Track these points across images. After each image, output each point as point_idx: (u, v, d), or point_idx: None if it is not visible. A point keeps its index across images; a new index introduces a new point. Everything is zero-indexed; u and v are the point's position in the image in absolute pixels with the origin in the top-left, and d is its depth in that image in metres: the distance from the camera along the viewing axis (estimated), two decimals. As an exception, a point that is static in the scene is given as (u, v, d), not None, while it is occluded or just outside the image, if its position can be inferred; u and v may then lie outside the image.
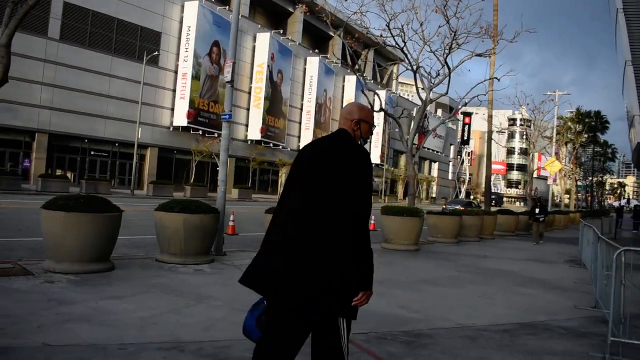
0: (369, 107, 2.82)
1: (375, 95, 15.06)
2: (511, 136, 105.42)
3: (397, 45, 13.50)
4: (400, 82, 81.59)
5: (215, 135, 40.38)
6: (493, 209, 22.63)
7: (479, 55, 14.27)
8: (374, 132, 3.06)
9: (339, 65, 56.89)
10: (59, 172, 32.46)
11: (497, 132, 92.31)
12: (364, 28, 14.90)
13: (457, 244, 15.00)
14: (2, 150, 30.07)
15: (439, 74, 13.90)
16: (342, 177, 2.42)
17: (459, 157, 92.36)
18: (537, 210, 17.31)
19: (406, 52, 13.29)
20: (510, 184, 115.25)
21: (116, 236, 7.57)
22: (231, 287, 6.94)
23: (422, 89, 14.43)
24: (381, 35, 13.91)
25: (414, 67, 13.61)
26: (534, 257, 13.33)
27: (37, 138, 30.82)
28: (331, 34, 57.89)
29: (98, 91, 33.14)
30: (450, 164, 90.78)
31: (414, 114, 68.36)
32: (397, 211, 12.72)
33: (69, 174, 33.37)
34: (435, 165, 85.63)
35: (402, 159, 74.41)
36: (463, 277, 8.97)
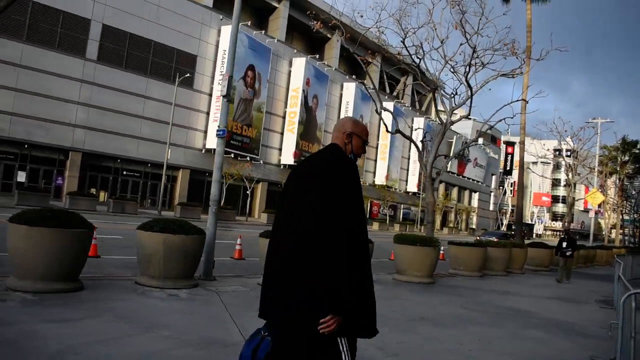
0: (365, 124, 2.54)
1: (389, 113, 14.30)
2: (557, 167, 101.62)
3: (413, 63, 12.76)
4: (440, 110, 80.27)
5: (248, 158, 40.40)
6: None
7: (504, 75, 13.32)
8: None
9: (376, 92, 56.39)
10: (92, 191, 32.95)
11: (541, 162, 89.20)
12: (386, 45, 14.24)
13: (480, 278, 13.88)
14: (36, 167, 30.78)
15: (456, 93, 13.02)
16: (326, 194, 2.35)
17: (501, 187, 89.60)
18: (564, 244, 15.27)
19: (423, 70, 12.55)
20: (555, 216, 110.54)
21: (86, 254, 7.11)
22: (196, 316, 6.31)
23: (443, 111, 13.59)
24: (399, 54, 13.24)
25: (434, 87, 12.82)
26: (561, 295, 12.08)
27: (71, 156, 31.42)
28: (368, 59, 57.87)
29: (132, 112, 33.70)
30: (492, 194, 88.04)
31: (453, 141, 66.42)
32: (410, 240, 11.84)
33: (102, 193, 33.86)
34: (475, 196, 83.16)
35: (441, 188, 72.55)
36: (469, 317, 8.00)
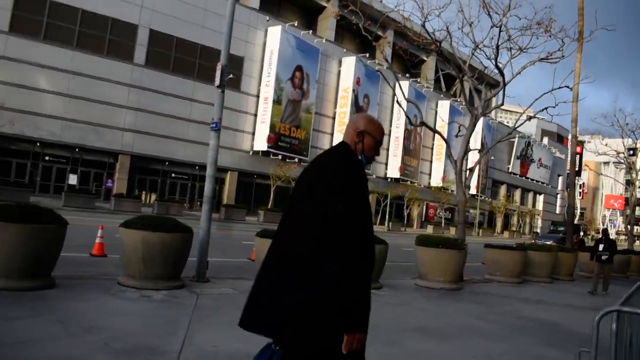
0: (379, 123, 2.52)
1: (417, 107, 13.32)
2: (630, 168, 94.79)
3: (436, 48, 11.73)
4: (501, 109, 76.87)
5: (296, 160, 40.07)
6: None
7: (543, 60, 11.98)
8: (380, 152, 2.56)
9: (431, 89, 54.70)
10: (142, 193, 33.69)
11: (613, 163, 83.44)
12: (410, 32, 13.28)
13: (518, 284, 12.61)
14: (87, 170, 31.80)
15: (482, 80, 11.84)
16: (330, 196, 2.22)
17: (568, 189, 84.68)
18: (600, 247, 12.67)
19: (447, 56, 11.48)
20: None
21: (56, 251, 6.77)
22: (152, 319, 5.78)
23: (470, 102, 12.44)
24: (422, 38, 12.26)
25: (462, 74, 11.74)
26: (604, 305, 10.62)
27: (120, 159, 32.24)
28: (424, 57, 56.16)
29: (180, 115, 34.17)
30: (559, 196, 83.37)
31: (515, 138, 63.20)
32: (432, 242, 10.87)
33: (152, 195, 34.53)
34: (540, 198, 79.04)
35: (502, 190, 69.49)
36: (478, 328, 6.99)
